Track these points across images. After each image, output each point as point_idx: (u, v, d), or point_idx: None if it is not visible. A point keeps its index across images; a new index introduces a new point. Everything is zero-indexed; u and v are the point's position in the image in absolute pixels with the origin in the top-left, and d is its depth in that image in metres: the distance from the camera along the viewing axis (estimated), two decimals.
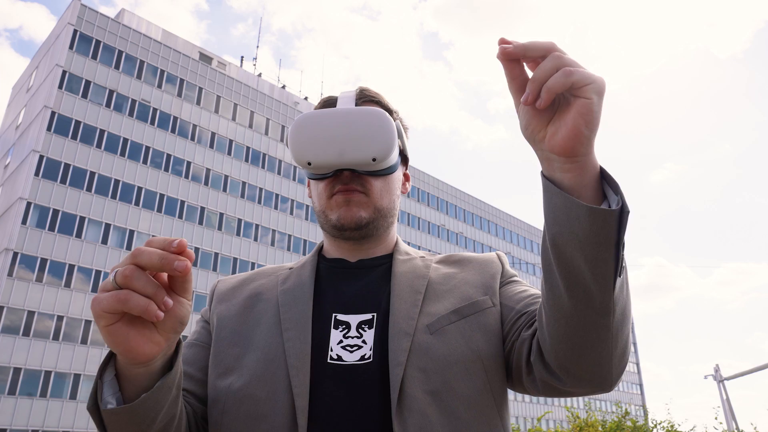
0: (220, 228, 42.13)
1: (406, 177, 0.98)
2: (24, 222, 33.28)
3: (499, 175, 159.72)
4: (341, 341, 0.78)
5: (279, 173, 46.48)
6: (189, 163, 41.48)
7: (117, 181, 37.52)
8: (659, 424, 5.62)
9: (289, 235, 45.80)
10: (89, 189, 36.20)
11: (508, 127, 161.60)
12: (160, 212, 39.30)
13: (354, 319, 0.80)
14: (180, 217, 40.29)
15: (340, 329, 0.79)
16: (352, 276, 0.87)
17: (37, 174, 34.18)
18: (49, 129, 34.87)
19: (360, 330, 0.79)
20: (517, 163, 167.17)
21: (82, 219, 35.58)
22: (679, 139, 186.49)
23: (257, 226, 44.26)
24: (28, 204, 33.63)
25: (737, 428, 8.88)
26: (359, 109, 0.81)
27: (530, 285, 0.88)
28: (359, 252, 0.90)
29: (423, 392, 0.73)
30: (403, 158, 0.95)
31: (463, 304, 0.82)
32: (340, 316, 0.81)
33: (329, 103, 0.89)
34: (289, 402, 0.73)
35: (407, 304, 0.80)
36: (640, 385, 78.94)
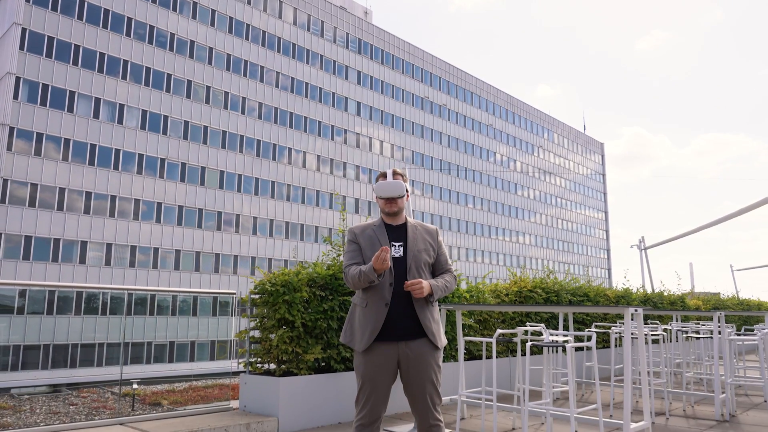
0: (207, 101, 42.72)
1: (407, 197, 2.79)
2: (15, 97, 33.76)
3: (480, 43, 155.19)
4: (395, 250, 2.68)
5: (264, 45, 46.13)
6: (173, 35, 41.11)
7: (102, 54, 37.46)
8: (574, 279, 7.67)
9: (276, 108, 46.57)
10: (75, 63, 36.24)
11: None
12: (148, 86, 39.68)
13: (397, 243, 2.70)
14: (168, 90, 40.72)
15: (392, 246, 2.67)
16: (395, 230, 2.74)
17: (21, 48, 34.04)
18: (27, 0, 34.17)
19: (399, 247, 2.68)
20: (497, 30, 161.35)
21: (72, 93, 36.02)
22: (669, 4, 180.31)
23: (244, 99, 44.82)
24: (17, 79, 33.87)
25: (652, 284, 11.34)
26: (394, 181, 2.67)
27: (445, 246, 2.83)
28: (393, 220, 2.76)
29: (415, 267, 2.64)
30: (407, 192, 2.76)
31: (426, 247, 2.72)
32: (393, 243, 2.69)
33: (384, 175, 2.74)
34: (388, 270, 2.59)
35: (413, 242, 2.70)
36: (607, 251, 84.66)
